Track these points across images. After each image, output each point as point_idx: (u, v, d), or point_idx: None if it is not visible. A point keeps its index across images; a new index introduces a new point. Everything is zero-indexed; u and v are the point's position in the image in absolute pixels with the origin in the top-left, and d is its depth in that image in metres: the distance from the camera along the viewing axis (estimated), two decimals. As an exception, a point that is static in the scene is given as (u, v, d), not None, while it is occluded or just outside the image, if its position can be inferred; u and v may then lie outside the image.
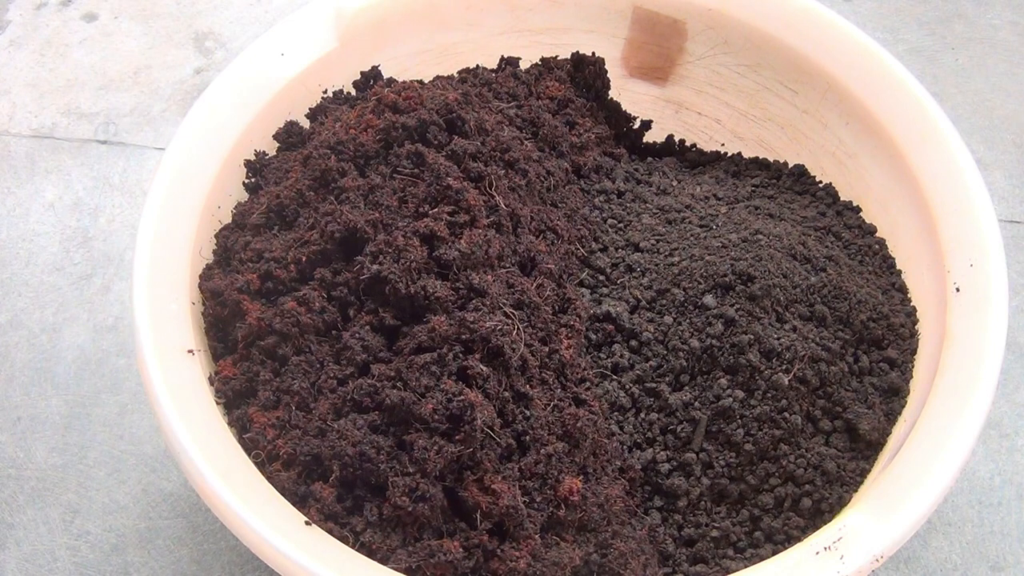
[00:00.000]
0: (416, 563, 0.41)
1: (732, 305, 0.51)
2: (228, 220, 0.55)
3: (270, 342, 0.48)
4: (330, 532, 0.42)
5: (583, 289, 0.55)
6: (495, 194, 0.52)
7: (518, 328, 0.47)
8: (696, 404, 0.50)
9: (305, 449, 0.44)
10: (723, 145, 0.70)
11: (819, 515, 0.49)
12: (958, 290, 0.50)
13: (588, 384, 0.50)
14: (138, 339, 0.46)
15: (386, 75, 0.62)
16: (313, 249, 0.49)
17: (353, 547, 0.42)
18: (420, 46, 0.65)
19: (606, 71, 0.66)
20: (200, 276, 0.51)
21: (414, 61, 0.65)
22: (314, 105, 0.61)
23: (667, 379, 0.51)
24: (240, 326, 0.48)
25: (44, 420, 0.68)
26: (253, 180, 0.57)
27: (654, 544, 0.49)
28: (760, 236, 0.54)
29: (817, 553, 0.41)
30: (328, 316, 0.48)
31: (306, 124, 0.60)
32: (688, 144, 0.71)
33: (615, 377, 0.51)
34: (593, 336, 0.53)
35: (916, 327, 0.54)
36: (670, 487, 0.49)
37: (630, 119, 0.69)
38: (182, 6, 0.99)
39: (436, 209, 0.50)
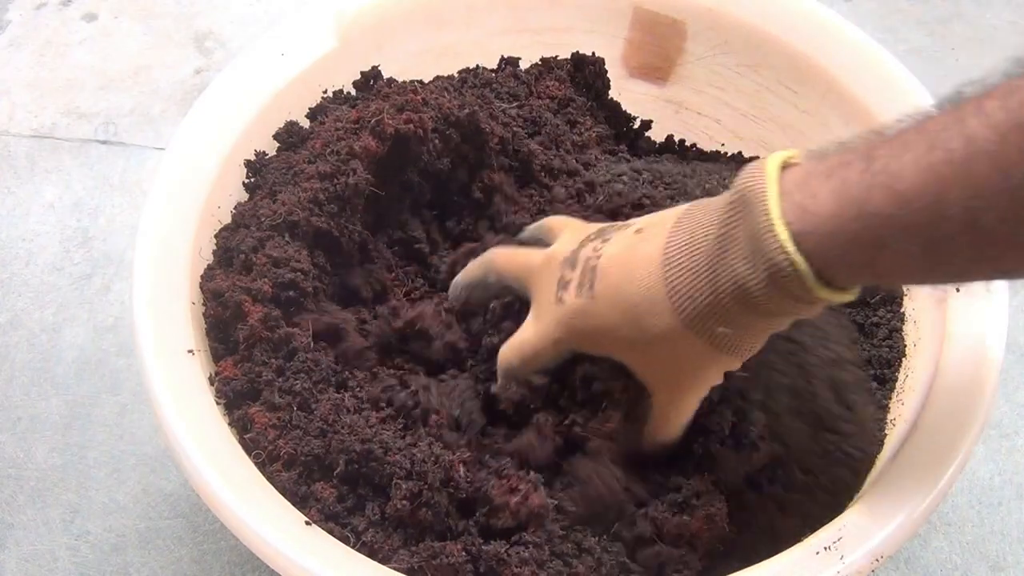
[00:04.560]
0: (418, 564, 0.41)
1: None
2: (228, 220, 0.55)
3: (273, 341, 0.48)
4: (331, 532, 0.42)
5: None
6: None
7: None
8: None
9: (306, 449, 0.44)
10: (723, 145, 0.70)
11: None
12: (958, 290, 0.50)
13: None
14: (138, 339, 0.46)
15: (386, 75, 0.62)
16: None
17: (354, 547, 0.42)
18: (420, 46, 0.65)
19: (606, 71, 0.66)
20: (201, 276, 0.51)
21: (414, 61, 0.65)
22: (314, 105, 0.61)
23: None
24: (241, 327, 0.48)
25: (44, 420, 0.68)
26: (253, 180, 0.57)
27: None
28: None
29: (817, 553, 0.41)
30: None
31: (306, 124, 0.60)
32: (688, 144, 0.71)
33: None
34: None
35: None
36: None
37: (630, 119, 0.69)
38: (182, 6, 0.99)
39: None
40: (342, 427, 0.44)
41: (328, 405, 0.45)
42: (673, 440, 0.45)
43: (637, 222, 0.43)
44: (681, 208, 0.42)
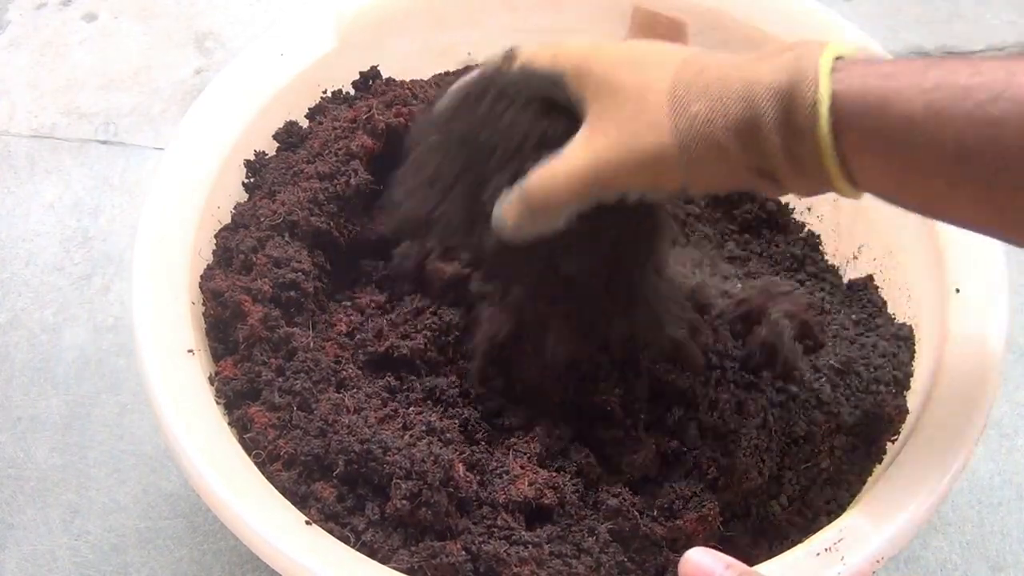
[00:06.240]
0: (418, 563, 0.41)
1: None
2: (228, 220, 0.55)
3: (273, 341, 0.48)
4: (331, 532, 0.42)
5: None
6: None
7: None
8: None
9: (306, 449, 0.44)
10: (723, 145, 0.70)
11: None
12: (958, 291, 0.50)
13: None
14: (137, 339, 0.46)
15: (386, 75, 0.62)
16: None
17: (354, 547, 0.42)
18: (420, 46, 0.65)
19: (606, 71, 0.66)
20: (201, 276, 0.51)
21: (414, 61, 0.65)
22: (313, 105, 0.61)
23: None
24: (241, 327, 0.48)
25: (44, 420, 0.68)
26: (253, 180, 0.57)
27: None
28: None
29: (818, 554, 0.41)
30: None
31: (305, 124, 0.60)
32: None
33: None
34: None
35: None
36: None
37: (630, 119, 0.69)
38: (182, 6, 0.99)
39: None
40: (342, 427, 0.44)
41: (328, 405, 0.45)
42: (539, 204, 0.39)
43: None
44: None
